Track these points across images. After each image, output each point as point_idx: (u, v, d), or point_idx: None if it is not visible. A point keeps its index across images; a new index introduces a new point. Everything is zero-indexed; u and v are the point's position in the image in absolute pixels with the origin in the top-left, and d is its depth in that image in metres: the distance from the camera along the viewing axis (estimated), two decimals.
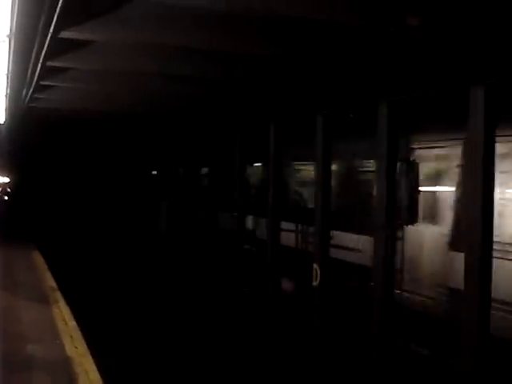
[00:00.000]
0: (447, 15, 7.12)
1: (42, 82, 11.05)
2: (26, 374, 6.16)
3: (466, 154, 8.28)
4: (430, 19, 7.18)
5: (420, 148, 10.57)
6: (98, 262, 23.27)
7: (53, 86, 11.75)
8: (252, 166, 17.50)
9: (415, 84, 9.13)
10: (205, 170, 21.54)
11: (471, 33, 7.45)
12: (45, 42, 8.09)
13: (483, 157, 7.59)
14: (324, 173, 11.45)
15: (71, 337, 7.62)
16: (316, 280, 11.37)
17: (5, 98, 14.37)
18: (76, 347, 7.18)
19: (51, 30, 7.26)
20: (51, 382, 5.97)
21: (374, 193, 10.04)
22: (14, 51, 9.22)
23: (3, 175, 45.16)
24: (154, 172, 26.34)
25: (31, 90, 12.15)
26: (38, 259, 14.56)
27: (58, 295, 10.28)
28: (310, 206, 13.52)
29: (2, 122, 19.23)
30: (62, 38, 7.73)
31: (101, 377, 6.16)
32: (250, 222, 17.05)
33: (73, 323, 8.39)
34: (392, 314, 9.47)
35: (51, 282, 11.58)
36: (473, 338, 7.58)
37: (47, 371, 6.25)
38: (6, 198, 42.74)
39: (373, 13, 7.09)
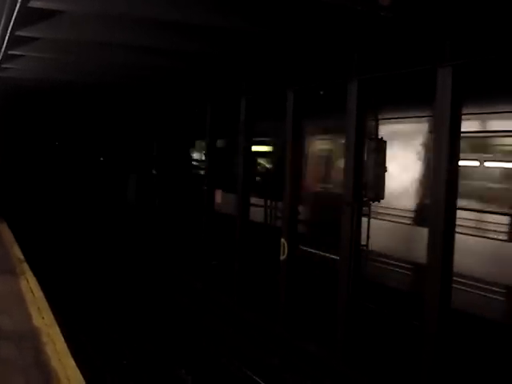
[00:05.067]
0: None
1: (10, 52, 10.89)
2: None
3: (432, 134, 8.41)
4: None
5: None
6: (66, 234, 23.19)
7: (21, 55, 11.58)
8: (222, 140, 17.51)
9: (385, 63, 9.24)
10: (174, 143, 21.46)
11: (440, 14, 7.56)
12: (14, 11, 7.99)
13: (449, 137, 7.78)
14: (294, 150, 11.54)
15: (38, 308, 7.65)
16: (284, 254, 11.57)
17: None
18: (43, 317, 7.22)
19: (19, 0, 7.19)
20: (18, 352, 6.01)
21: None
22: None
23: None
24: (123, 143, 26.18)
25: None
26: (5, 232, 14.47)
27: (26, 267, 10.26)
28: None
29: None
30: (30, 8, 7.64)
31: (68, 346, 6.22)
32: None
33: (40, 294, 8.40)
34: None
35: (18, 253, 11.54)
36: (434, 311, 7.84)
37: (13, 341, 6.28)
38: None
39: None
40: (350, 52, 9.61)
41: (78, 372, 5.55)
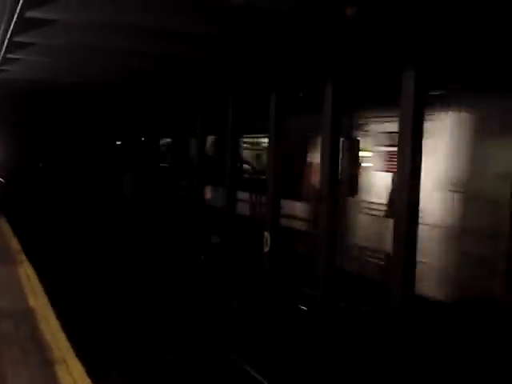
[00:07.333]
0: (380, 6, 7.89)
1: (8, 55, 11.60)
2: None
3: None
4: (366, 9, 7.96)
5: None
6: (63, 229, 23.88)
7: (19, 59, 12.29)
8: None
9: (356, 66, 9.93)
10: (166, 141, 22.14)
11: (402, 22, 8.23)
12: (12, 20, 8.69)
13: (412, 135, 8.40)
14: (276, 147, 12.22)
15: (34, 291, 8.38)
16: (266, 247, 12.25)
17: None
18: (37, 300, 7.94)
19: (17, 11, 7.88)
20: (16, 328, 6.73)
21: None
22: None
23: None
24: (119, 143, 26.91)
25: None
26: (5, 227, 15.19)
27: (23, 257, 10.99)
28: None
29: None
30: (27, 17, 8.33)
31: (59, 322, 6.95)
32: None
33: (35, 280, 9.13)
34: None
35: (17, 245, 12.27)
36: (399, 298, 8.46)
37: (12, 319, 7.03)
38: None
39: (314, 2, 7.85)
40: (326, 57, 10.29)
41: (68, 343, 6.27)
